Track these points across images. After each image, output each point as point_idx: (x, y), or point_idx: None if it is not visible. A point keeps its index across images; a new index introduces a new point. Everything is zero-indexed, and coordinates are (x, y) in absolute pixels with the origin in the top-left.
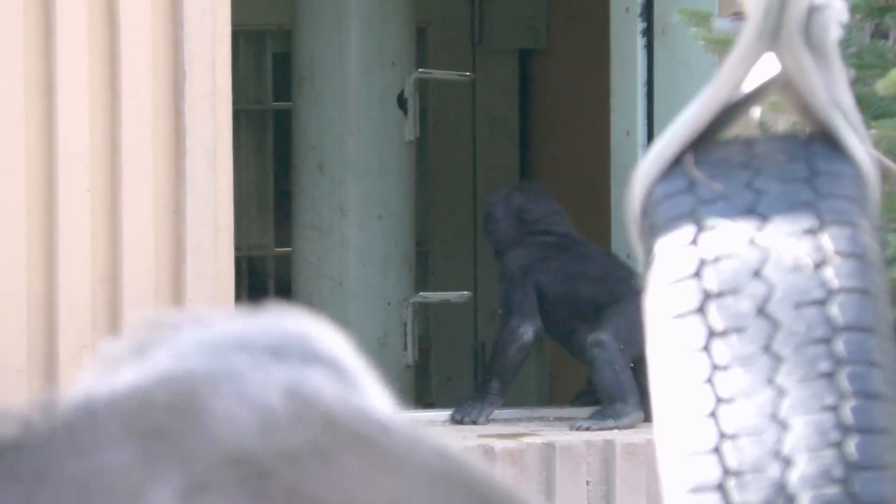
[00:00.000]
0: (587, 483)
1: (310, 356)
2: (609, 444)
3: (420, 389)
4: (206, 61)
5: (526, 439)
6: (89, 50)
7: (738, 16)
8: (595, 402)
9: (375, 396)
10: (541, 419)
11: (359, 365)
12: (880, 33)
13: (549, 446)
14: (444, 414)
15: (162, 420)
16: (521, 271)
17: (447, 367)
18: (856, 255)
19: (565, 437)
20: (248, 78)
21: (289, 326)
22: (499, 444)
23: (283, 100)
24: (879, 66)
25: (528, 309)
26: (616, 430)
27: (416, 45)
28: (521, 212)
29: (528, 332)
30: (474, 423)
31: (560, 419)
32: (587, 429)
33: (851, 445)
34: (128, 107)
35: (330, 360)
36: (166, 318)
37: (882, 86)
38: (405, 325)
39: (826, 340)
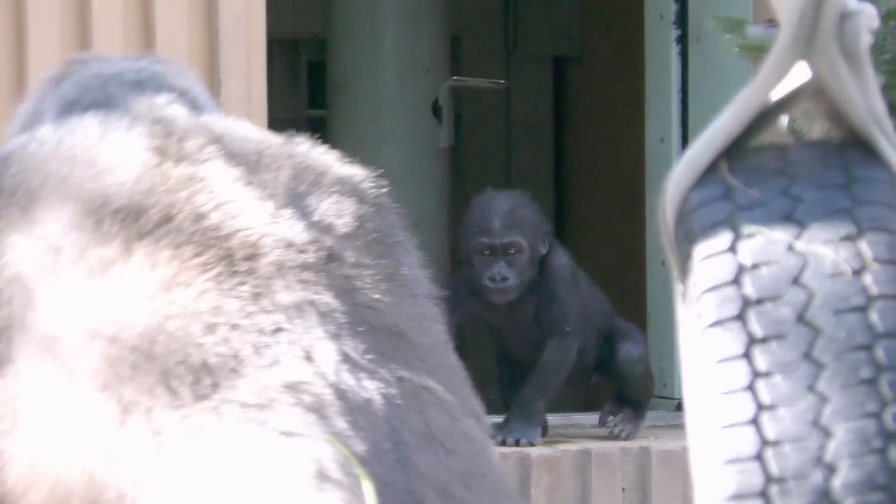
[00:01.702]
0: (623, 490)
1: (165, 87)
2: (645, 452)
3: None
4: (241, 69)
5: (561, 446)
6: None
7: (772, 22)
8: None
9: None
10: (576, 426)
11: (206, 94)
12: None
13: (585, 453)
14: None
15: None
16: (571, 274)
17: (475, 373)
18: (894, 261)
19: (601, 444)
20: (282, 86)
21: (156, 67)
22: (535, 452)
23: (318, 108)
24: None
25: (580, 324)
26: (652, 438)
27: (451, 53)
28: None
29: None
30: (531, 443)
31: (595, 426)
32: (623, 434)
33: (894, 452)
34: None
35: (181, 90)
36: (78, 57)
37: None
38: None
39: (867, 347)
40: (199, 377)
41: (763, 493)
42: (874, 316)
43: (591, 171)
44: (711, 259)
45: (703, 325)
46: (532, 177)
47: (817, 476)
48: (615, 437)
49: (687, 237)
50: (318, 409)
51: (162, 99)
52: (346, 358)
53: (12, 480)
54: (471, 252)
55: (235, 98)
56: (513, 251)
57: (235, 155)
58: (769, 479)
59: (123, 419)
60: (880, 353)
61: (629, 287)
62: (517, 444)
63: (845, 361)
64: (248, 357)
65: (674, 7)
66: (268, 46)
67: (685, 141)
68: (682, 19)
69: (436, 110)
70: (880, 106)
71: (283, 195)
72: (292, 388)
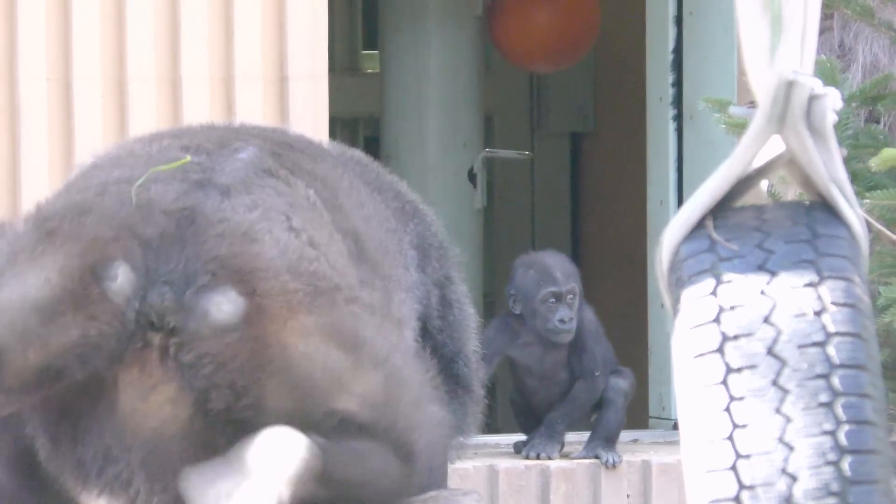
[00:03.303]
0: (627, 496)
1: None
2: (647, 464)
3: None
4: None
5: (576, 459)
6: None
7: (752, 104)
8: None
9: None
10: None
11: None
12: (873, 118)
13: (596, 465)
14: (510, 439)
15: None
16: (598, 325)
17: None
18: (850, 304)
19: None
20: None
21: None
22: (553, 464)
23: None
24: (873, 146)
25: (606, 370)
26: (652, 452)
27: (484, 129)
28: None
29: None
30: (549, 458)
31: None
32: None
33: (847, 464)
34: None
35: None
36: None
37: (875, 163)
38: None
39: (825, 376)
40: None
41: (736, 499)
42: (832, 350)
43: (602, 229)
44: (697, 301)
45: (690, 357)
46: (553, 234)
47: (782, 484)
48: (610, 467)
49: (678, 283)
50: None
51: None
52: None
53: None
54: (537, 302)
55: None
56: (571, 297)
57: None
58: (742, 486)
59: None
60: (836, 381)
61: (634, 326)
62: (538, 457)
63: (807, 388)
64: None
65: (671, 91)
66: (331, 124)
67: (680, 203)
68: (678, 101)
69: (471, 177)
70: (843, 174)
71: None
72: None
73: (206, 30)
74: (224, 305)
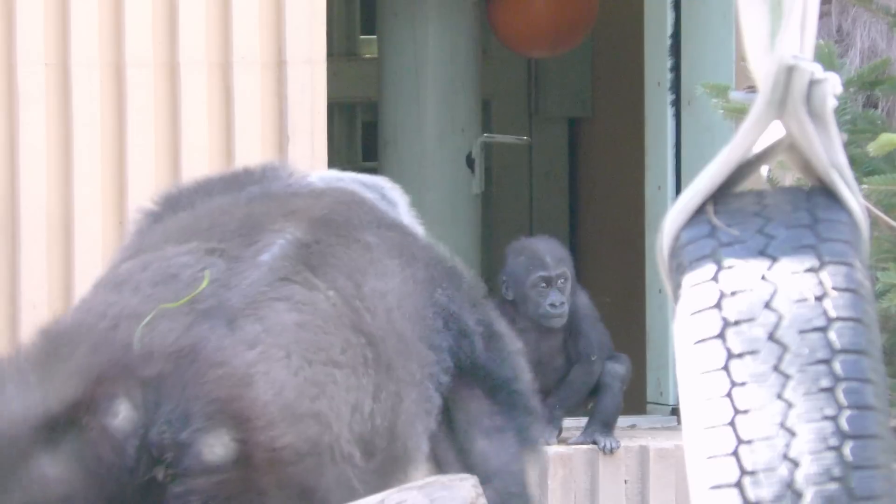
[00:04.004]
0: (625, 482)
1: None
2: (644, 449)
3: None
4: (306, 129)
5: (574, 445)
6: (209, 120)
7: (752, 88)
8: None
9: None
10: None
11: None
12: (871, 103)
13: (594, 451)
14: None
15: None
16: (592, 311)
17: None
18: (851, 289)
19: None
20: (341, 142)
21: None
22: (551, 450)
23: (371, 161)
24: (870, 131)
25: (602, 354)
26: (650, 438)
27: (482, 114)
28: None
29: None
30: (547, 443)
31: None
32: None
33: (848, 449)
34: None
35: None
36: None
37: (873, 148)
38: None
39: (826, 361)
40: None
41: (738, 484)
42: (833, 335)
43: (600, 214)
44: (698, 287)
45: (691, 342)
46: (550, 219)
47: (784, 469)
48: (608, 452)
49: (679, 269)
50: None
51: None
52: None
53: None
54: (527, 287)
55: (301, 153)
56: (562, 281)
57: None
58: (743, 471)
59: None
60: (837, 366)
61: (632, 311)
62: None
63: (808, 373)
64: None
65: (669, 76)
66: (329, 109)
67: (679, 188)
68: (676, 86)
69: (469, 163)
70: (842, 159)
71: None
72: None
73: (203, 15)
74: (216, 448)
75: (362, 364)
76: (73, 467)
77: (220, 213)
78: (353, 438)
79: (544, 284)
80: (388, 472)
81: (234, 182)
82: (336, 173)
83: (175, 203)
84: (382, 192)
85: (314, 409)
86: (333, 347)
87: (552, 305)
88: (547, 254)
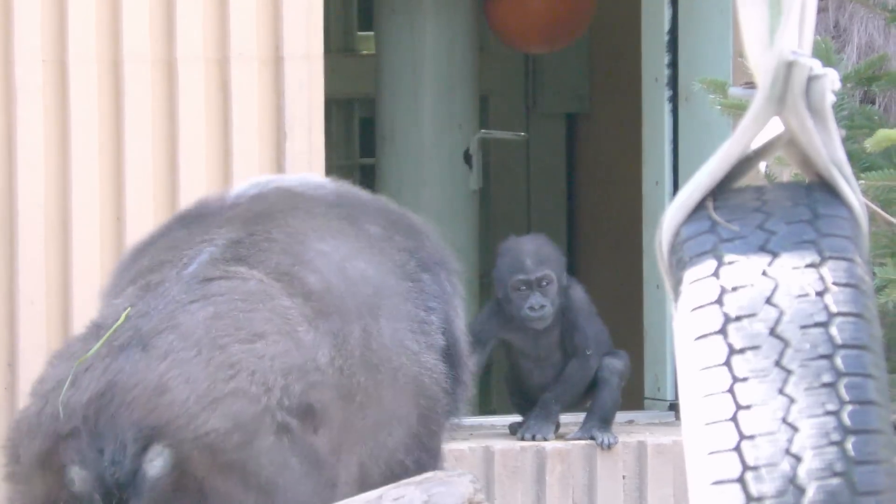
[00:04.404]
0: (623, 477)
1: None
2: (642, 445)
3: (482, 397)
4: (304, 125)
5: (572, 440)
6: (206, 115)
7: (750, 84)
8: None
9: None
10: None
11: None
12: (868, 99)
13: (592, 446)
14: (505, 420)
15: None
16: (589, 305)
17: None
18: (851, 284)
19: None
20: (339, 138)
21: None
22: (549, 445)
23: (368, 157)
24: (868, 127)
25: (598, 349)
26: (648, 433)
27: (480, 110)
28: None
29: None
30: (545, 439)
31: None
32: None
33: (850, 444)
34: (238, 163)
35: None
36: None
37: (870, 143)
38: None
39: (828, 356)
40: None
41: (740, 479)
42: (834, 330)
43: (598, 209)
44: (698, 283)
45: (692, 338)
46: (548, 215)
47: (786, 465)
48: (606, 448)
49: (679, 264)
50: None
51: None
52: None
53: None
54: (509, 289)
55: (299, 149)
56: (545, 283)
57: None
58: (745, 467)
59: None
60: (839, 361)
61: (630, 307)
62: (534, 438)
63: (810, 368)
64: None
65: (666, 72)
66: (326, 105)
67: (676, 184)
68: (673, 82)
69: (467, 158)
70: (842, 154)
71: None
72: None
73: (201, 10)
74: (156, 461)
75: (304, 322)
76: None
77: (163, 248)
78: (294, 404)
79: (524, 287)
80: (396, 389)
81: (186, 216)
82: (280, 176)
83: (139, 253)
84: (325, 183)
85: (231, 388)
86: (254, 322)
87: (531, 308)
88: (528, 256)
